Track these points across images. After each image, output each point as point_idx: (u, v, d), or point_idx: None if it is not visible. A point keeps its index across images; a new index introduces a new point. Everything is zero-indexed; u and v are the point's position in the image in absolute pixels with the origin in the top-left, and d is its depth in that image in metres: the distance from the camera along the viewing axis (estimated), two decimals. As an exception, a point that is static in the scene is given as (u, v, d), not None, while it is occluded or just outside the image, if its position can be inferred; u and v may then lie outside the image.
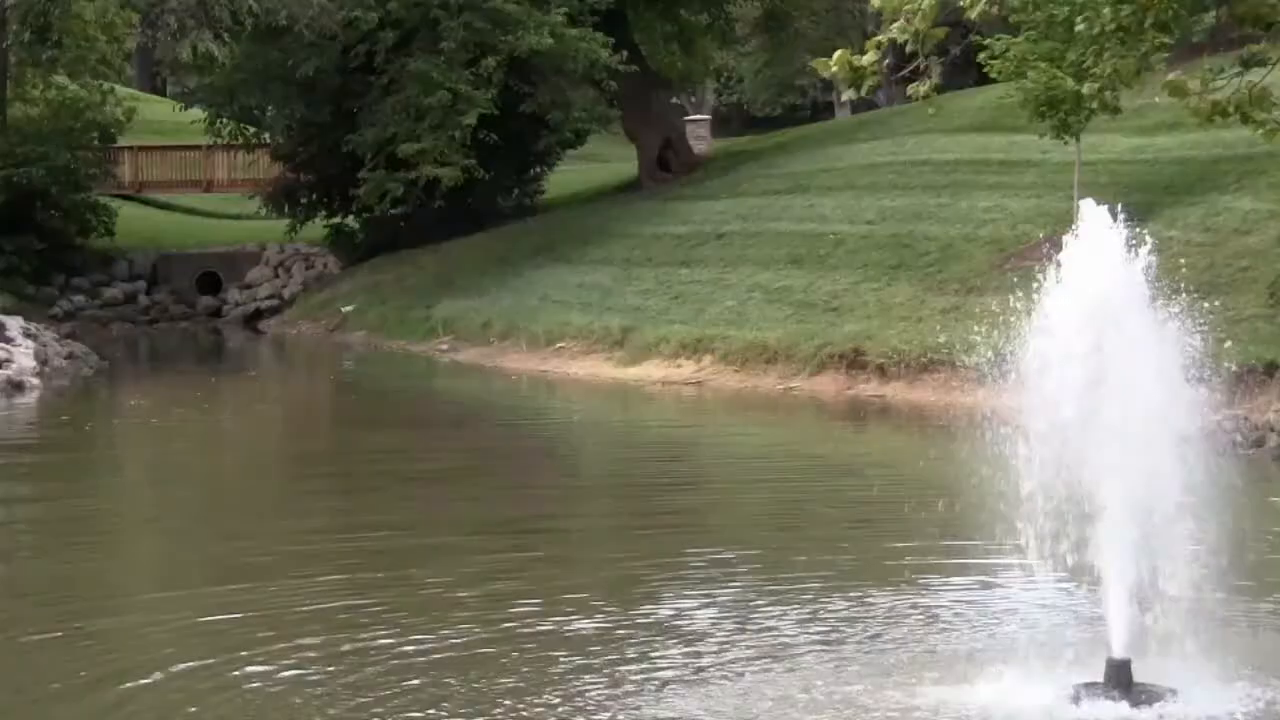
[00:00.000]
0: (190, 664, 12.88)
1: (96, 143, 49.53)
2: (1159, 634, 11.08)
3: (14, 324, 35.97)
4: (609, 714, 11.26)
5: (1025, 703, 10.90)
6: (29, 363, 33.77)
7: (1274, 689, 11.10)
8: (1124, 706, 10.74)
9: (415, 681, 12.03)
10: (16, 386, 32.45)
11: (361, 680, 12.12)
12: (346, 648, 13.07)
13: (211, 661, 13.04)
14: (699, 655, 12.69)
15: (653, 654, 12.77)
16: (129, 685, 12.61)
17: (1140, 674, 10.93)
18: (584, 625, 13.76)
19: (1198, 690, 10.91)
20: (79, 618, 15.18)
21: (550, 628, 13.70)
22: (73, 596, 16.49)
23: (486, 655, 12.86)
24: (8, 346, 34.16)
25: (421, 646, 13.09)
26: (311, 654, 12.92)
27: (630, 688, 11.86)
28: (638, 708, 11.41)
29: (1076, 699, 10.90)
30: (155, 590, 17.70)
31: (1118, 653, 10.96)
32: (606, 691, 11.76)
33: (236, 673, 12.51)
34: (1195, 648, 11.07)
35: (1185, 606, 11.09)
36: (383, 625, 13.78)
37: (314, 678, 12.27)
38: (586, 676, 12.16)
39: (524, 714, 11.35)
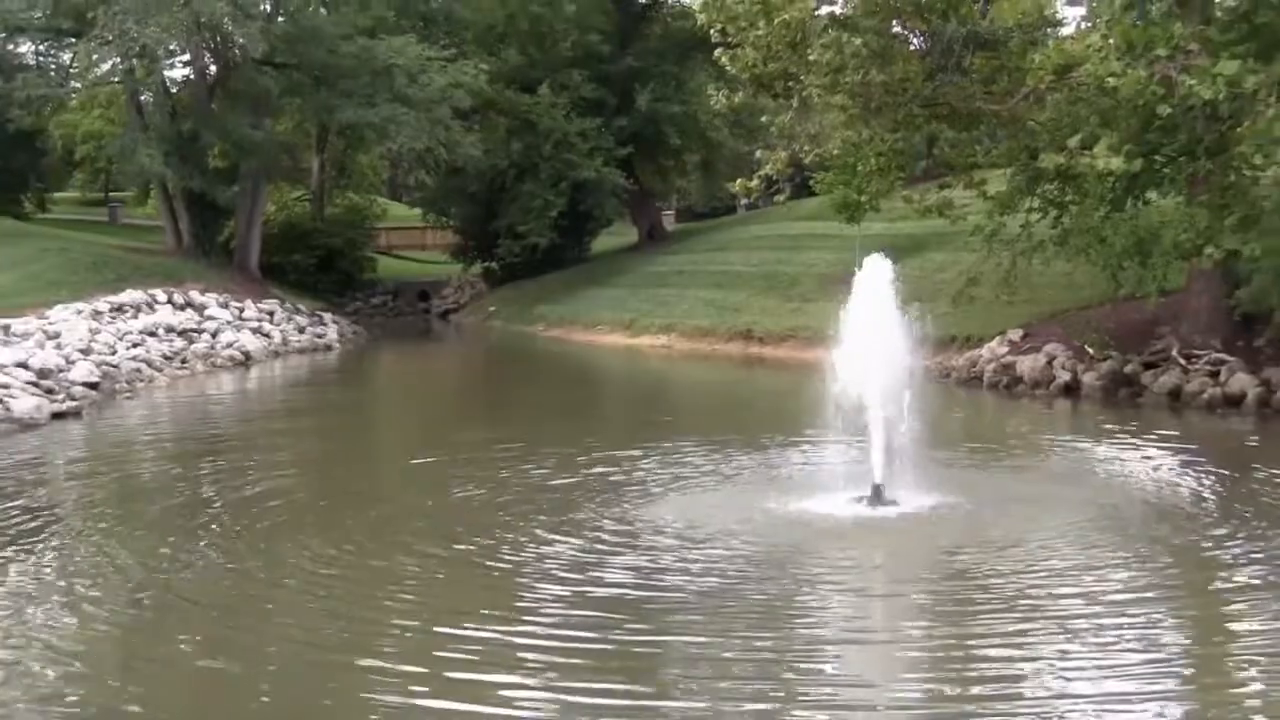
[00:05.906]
0: (416, 482, 12.86)
1: (367, 225, 49.36)
2: (897, 471, 10.99)
3: (327, 316, 36.10)
4: (591, 513, 11.01)
5: (824, 508, 10.79)
6: (334, 336, 33.75)
7: (959, 500, 11.02)
8: (876, 509, 10.68)
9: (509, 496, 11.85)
10: (328, 348, 32.41)
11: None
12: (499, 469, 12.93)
13: (431, 463, 13.01)
14: (643, 482, 12.40)
15: (612, 480, 12.53)
16: (388, 505, 12.55)
17: (889, 493, 10.85)
18: (591, 470, 13.32)
19: (917, 501, 10.86)
20: (366, 458, 15.34)
21: (581, 464, 13.35)
22: (362, 443, 16.74)
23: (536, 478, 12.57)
24: (324, 327, 34.25)
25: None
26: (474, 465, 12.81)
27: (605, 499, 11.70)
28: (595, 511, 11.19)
29: (854, 504, 10.83)
30: (396, 440, 17.80)
31: (876, 480, 10.91)
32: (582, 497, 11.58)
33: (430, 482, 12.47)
34: (915, 479, 11.02)
35: (909, 458, 11.04)
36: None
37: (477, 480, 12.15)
38: (577, 493, 11.84)
39: (534, 513, 11.14)
